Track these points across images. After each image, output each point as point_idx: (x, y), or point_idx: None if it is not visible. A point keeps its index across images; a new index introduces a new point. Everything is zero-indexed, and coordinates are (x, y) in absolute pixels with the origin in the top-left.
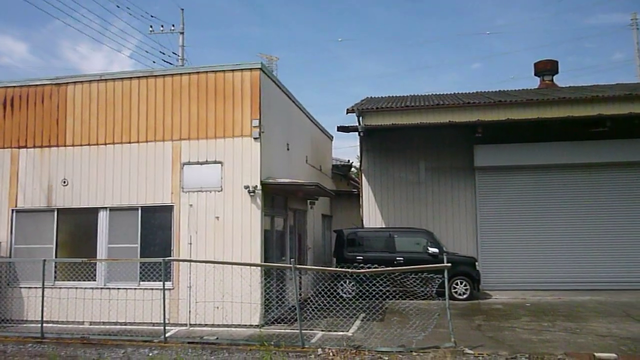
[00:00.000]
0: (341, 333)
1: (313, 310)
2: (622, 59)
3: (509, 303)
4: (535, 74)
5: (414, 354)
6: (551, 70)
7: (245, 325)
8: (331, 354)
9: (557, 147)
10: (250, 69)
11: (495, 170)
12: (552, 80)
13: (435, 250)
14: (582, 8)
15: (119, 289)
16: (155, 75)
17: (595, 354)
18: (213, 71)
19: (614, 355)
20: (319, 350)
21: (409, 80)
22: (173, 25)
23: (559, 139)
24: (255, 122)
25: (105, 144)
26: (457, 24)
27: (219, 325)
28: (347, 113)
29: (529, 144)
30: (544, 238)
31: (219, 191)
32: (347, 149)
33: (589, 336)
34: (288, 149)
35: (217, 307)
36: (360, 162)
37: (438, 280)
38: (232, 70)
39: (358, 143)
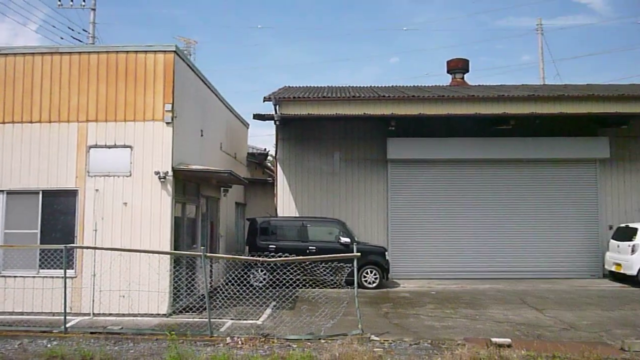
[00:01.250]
0: (251, 321)
1: (223, 298)
2: (530, 61)
3: (415, 291)
4: (448, 72)
5: (322, 341)
6: (462, 68)
7: (153, 314)
8: (240, 342)
9: (465, 142)
10: (164, 51)
11: (407, 162)
12: (463, 78)
13: (347, 240)
14: (495, 10)
15: (15, 277)
16: (61, 52)
17: (492, 339)
18: (125, 51)
19: (508, 340)
20: (228, 338)
21: (330, 71)
22: (84, 0)
23: (468, 135)
24: (168, 107)
25: (4, 122)
26: (378, 18)
27: (124, 315)
28: (263, 101)
29: (440, 138)
30: (450, 230)
31: (127, 176)
32: (266, 137)
33: (488, 322)
34: (202, 135)
35: (123, 296)
36: (276, 150)
37: (348, 269)
38: (145, 52)
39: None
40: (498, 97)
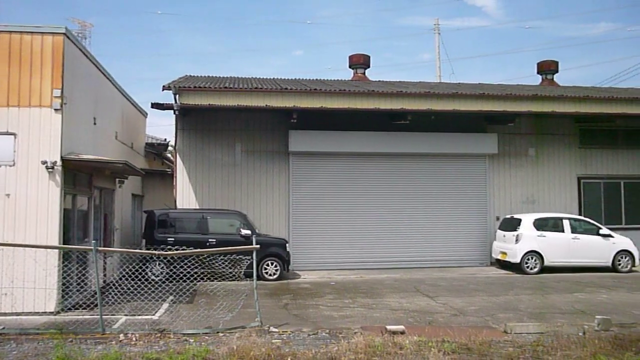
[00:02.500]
0: (147, 317)
1: (117, 294)
2: (428, 59)
3: (316, 282)
4: (350, 66)
5: (221, 334)
6: (364, 64)
7: (39, 312)
8: (134, 338)
9: (366, 136)
10: (53, 33)
11: (309, 155)
12: (364, 73)
13: (248, 232)
14: (397, 9)
15: None
16: None
17: (387, 327)
18: (8, 31)
19: (402, 327)
20: (121, 335)
21: (236, 61)
22: None
23: (369, 129)
24: (57, 92)
25: None
26: (285, 10)
27: (6, 314)
28: (162, 90)
29: (342, 132)
30: (351, 221)
31: (10, 165)
32: (168, 127)
33: (384, 310)
34: (95, 124)
35: (5, 294)
36: (176, 141)
37: (247, 262)
38: (32, 33)
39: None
40: (397, 93)
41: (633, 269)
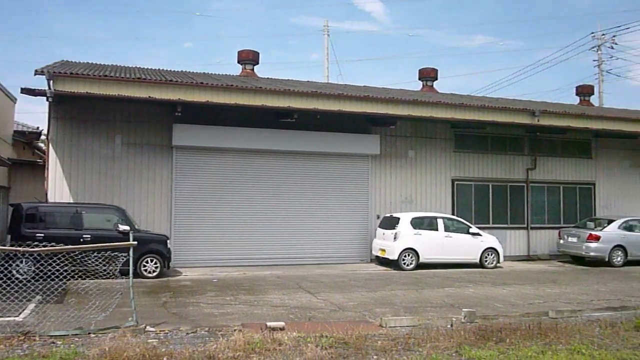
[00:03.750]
0: (9, 318)
1: None
2: (318, 59)
3: (197, 279)
4: (239, 62)
5: (92, 335)
6: (253, 60)
7: None
8: None
9: (253, 133)
10: None
11: (193, 150)
12: (253, 69)
13: (126, 228)
14: (289, 7)
15: None
16: None
17: (267, 323)
18: None
19: (282, 323)
20: None
21: (121, 49)
22: None
23: (256, 126)
24: None
25: None
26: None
27: None
28: (35, 74)
29: (228, 127)
30: (235, 218)
31: None
32: (41, 115)
33: (265, 307)
34: None
35: None
36: (48, 130)
37: (124, 259)
38: None
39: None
40: (284, 91)
41: (498, 265)
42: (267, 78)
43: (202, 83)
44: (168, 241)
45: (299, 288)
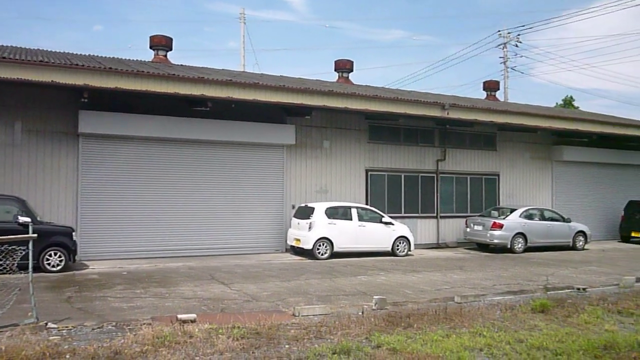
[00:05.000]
0: None
1: None
2: (235, 47)
3: (106, 272)
4: (151, 47)
5: None
6: (166, 46)
7: None
8: None
9: (165, 121)
10: None
11: (101, 138)
12: (166, 55)
13: (27, 219)
14: None
15: None
16: None
17: (178, 316)
18: None
19: (193, 315)
20: None
21: (24, 29)
22: None
23: (168, 114)
24: None
25: None
26: None
27: None
28: None
29: (139, 115)
30: (146, 208)
31: None
32: None
33: (177, 299)
34: None
35: None
36: None
37: (22, 252)
38: None
39: None
40: (197, 78)
41: (409, 253)
42: (181, 65)
43: (110, 68)
44: (74, 233)
45: (212, 279)
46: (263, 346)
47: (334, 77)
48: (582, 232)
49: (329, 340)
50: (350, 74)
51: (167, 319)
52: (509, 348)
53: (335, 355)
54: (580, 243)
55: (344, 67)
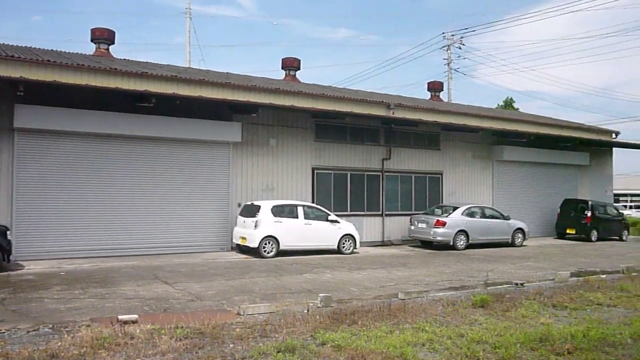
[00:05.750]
0: None
1: None
2: (181, 43)
3: (42, 273)
4: (92, 40)
5: None
6: (108, 39)
7: None
8: None
9: (107, 116)
10: None
11: (39, 133)
12: (108, 49)
13: None
14: None
15: None
16: None
17: (119, 317)
18: None
19: (135, 316)
20: None
21: None
22: None
23: (110, 109)
24: None
25: None
26: None
27: None
28: None
29: (80, 110)
30: (88, 206)
31: None
32: None
33: (118, 300)
34: None
35: None
36: None
37: None
38: None
39: None
40: (141, 73)
41: (355, 250)
42: (124, 59)
43: (48, 61)
44: (8, 232)
45: (155, 279)
46: (207, 346)
47: (281, 75)
48: (521, 229)
49: (274, 339)
50: (298, 72)
51: (107, 320)
52: (450, 343)
53: (280, 353)
54: (519, 240)
55: (291, 65)
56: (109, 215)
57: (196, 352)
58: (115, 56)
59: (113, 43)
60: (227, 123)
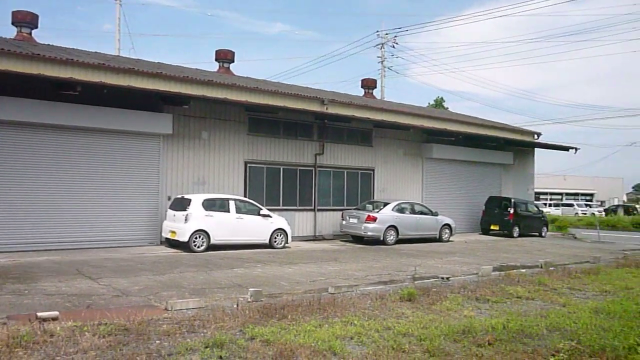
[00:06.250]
0: None
1: None
2: (110, 30)
3: None
4: (13, 24)
5: None
6: (31, 22)
7: None
8: None
9: (27, 104)
10: None
11: None
12: (30, 34)
13: None
14: None
15: None
16: None
17: (38, 314)
18: None
19: (55, 312)
20: None
21: None
22: None
23: (32, 97)
24: None
25: None
26: None
27: None
28: None
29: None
30: (4, 198)
31: None
32: None
33: (37, 296)
34: None
35: None
36: None
37: None
38: None
39: None
40: (66, 60)
41: (286, 245)
42: (48, 45)
43: None
44: None
45: (78, 274)
46: (131, 343)
47: (214, 67)
48: (448, 225)
49: (202, 334)
50: (232, 65)
51: (24, 317)
52: (377, 335)
53: (208, 349)
54: (446, 235)
55: (225, 57)
56: (28, 207)
57: (120, 350)
58: (38, 41)
59: (36, 27)
60: (158, 114)
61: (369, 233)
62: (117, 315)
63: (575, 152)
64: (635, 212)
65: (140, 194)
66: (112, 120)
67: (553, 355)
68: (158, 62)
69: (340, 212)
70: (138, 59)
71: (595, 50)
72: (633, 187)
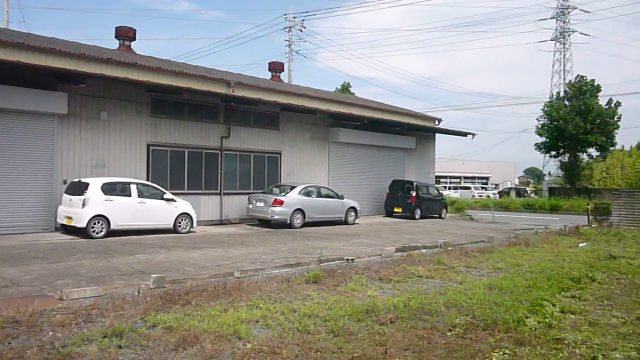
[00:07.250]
0: None
1: None
2: None
3: None
4: None
5: None
6: None
7: None
8: None
9: None
10: None
11: None
12: None
13: None
14: None
15: None
16: None
17: None
18: None
19: None
20: None
21: None
22: None
23: None
24: None
25: None
26: None
27: None
28: None
29: None
30: None
31: None
32: None
33: None
34: None
35: None
36: None
37: None
38: None
39: None
40: None
41: (191, 229)
42: None
43: None
44: None
45: None
46: (22, 335)
47: (114, 44)
48: (353, 208)
49: (99, 324)
50: (133, 43)
51: None
52: (283, 318)
53: (107, 338)
54: (352, 218)
55: (126, 34)
56: None
57: (9, 343)
58: None
59: None
60: (51, 93)
61: (276, 217)
62: (5, 307)
63: (473, 138)
64: (525, 194)
65: (33, 177)
66: (0, 99)
67: (450, 330)
68: (52, 37)
69: (247, 196)
70: (29, 33)
71: (491, 42)
72: (524, 171)
